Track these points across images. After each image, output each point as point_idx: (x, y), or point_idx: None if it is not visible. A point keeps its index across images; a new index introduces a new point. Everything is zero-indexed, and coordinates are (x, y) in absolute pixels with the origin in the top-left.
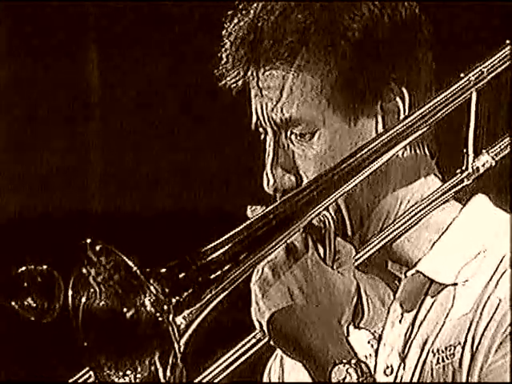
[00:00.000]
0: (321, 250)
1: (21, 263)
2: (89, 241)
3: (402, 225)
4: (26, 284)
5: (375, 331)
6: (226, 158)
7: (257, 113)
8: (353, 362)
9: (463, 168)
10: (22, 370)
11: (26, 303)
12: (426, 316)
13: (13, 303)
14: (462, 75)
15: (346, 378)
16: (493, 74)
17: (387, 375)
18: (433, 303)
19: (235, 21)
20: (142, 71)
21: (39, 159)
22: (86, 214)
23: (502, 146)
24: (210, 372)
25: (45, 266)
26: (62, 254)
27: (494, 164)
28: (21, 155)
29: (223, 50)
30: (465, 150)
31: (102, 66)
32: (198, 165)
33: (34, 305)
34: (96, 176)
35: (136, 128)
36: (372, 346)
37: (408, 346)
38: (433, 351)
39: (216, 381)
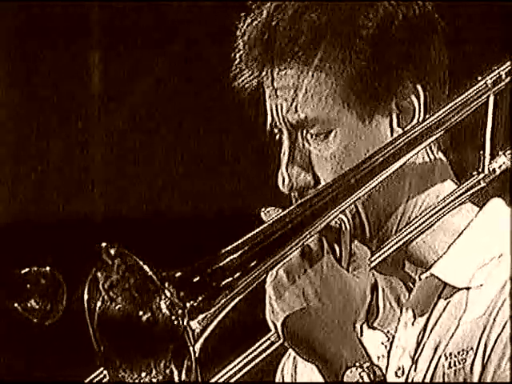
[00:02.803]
0: (336, 253)
1: (23, 265)
2: (104, 244)
3: (418, 226)
4: (28, 286)
5: (388, 331)
6: (235, 158)
7: (272, 113)
8: (366, 365)
9: (479, 170)
10: (30, 370)
11: (28, 305)
12: (438, 319)
13: (15, 305)
14: (479, 78)
15: (358, 381)
16: (510, 77)
17: (398, 376)
18: (446, 306)
19: (249, 21)
20: (148, 71)
21: (41, 162)
22: (89, 216)
23: None
24: (225, 373)
25: (48, 268)
26: (66, 256)
27: (510, 166)
28: (22, 158)
29: (237, 50)
30: (481, 152)
31: (105, 66)
32: (206, 166)
33: (37, 307)
34: (99, 179)
35: (143, 128)
36: (385, 346)
37: (420, 348)
38: (445, 355)
39: (231, 381)
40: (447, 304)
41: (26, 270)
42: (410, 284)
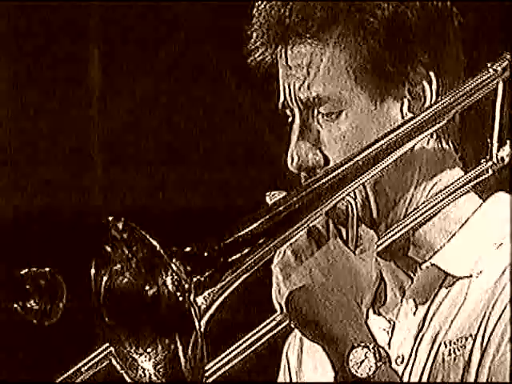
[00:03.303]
0: (343, 235)
1: (22, 265)
2: (111, 218)
3: (424, 212)
4: (28, 286)
5: (390, 318)
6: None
7: (284, 92)
8: (371, 345)
9: (487, 157)
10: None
11: (28, 306)
12: (439, 307)
13: (15, 305)
14: (488, 65)
15: (364, 361)
16: None
17: (398, 364)
18: (446, 295)
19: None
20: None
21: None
22: (89, 214)
23: None
24: (230, 352)
25: (47, 269)
26: (65, 256)
27: None
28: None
29: (253, 28)
30: (489, 140)
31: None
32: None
33: (37, 307)
34: (98, 176)
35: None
36: (387, 333)
37: (420, 336)
38: (445, 343)
39: (236, 361)
40: (448, 293)
41: (26, 270)
42: (412, 273)
